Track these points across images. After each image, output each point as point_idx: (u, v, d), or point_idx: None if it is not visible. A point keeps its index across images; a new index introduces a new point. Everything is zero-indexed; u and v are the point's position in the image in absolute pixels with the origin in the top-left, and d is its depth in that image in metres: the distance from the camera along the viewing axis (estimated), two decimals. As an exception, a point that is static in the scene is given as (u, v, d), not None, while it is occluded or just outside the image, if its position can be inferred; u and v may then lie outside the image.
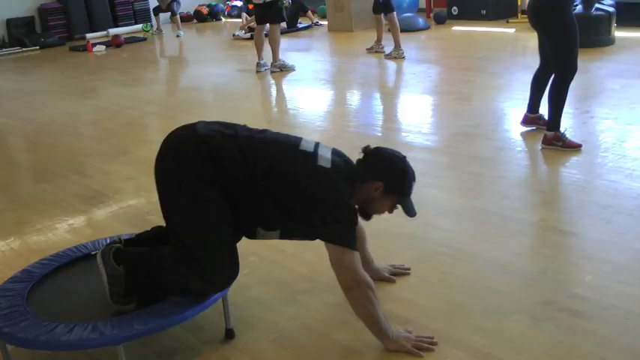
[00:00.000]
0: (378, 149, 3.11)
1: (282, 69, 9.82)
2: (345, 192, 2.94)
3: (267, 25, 9.67)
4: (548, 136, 5.29)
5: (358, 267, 2.92)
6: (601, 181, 4.68)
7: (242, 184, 2.91)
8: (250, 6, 16.70)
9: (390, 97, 8.30)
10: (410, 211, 3.09)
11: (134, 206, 4.97)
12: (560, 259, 3.65)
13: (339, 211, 2.91)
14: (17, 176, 6.37)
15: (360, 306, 2.95)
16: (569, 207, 4.33)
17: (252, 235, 3.10)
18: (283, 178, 2.93)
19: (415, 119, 6.86)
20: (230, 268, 3.00)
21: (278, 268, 3.80)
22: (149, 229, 3.34)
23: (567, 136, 5.28)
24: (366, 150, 3.10)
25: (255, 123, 6.17)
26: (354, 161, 3.12)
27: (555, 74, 5.26)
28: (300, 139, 3.10)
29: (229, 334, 3.19)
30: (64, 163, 6.27)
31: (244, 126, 3.12)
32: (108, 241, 3.56)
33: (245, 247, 3.87)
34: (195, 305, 2.93)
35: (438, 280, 3.54)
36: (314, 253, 3.86)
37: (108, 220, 4.80)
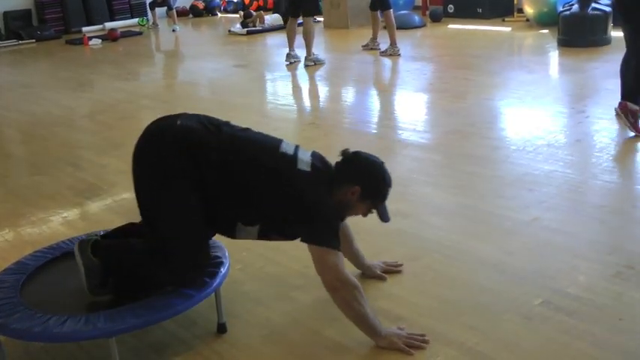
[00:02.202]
0: (356, 154, 3.11)
1: (315, 62, 9.74)
2: (323, 194, 2.95)
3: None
4: (630, 107, 5.43)
5: (342, 267, 2.93)
6: (595, 181, 4.68)
7: (220, 179, 2.92)
8: (247, 1, 16.76)
9: (385, 95, 8.30)
10: (384, 217, 3.11)
11: (128, 199, 4.95)
12: (553, 259, 3.66)
13: (319, 213, 2.92)
14: (12, 168, 6.35)
15: (346, 306, 2.96)
16: (563, 206, 4.33)
17: (231, 232, 3.10)
18: (261, 178, 2.94)
19: (410, 117, 6.86)
20: (197, 262, 3.01)
21: (271, 264, 3.80)
22: (125, 223, 3.35)
23: None
24: (345, 153, 3.10)
25: (249, 118, 6.18)
26: (334, 164, 3.12)
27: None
28: (281, 140, 3.10)
29: (221, 329, 3.19)
30: (59, 156, 6.26)
31: (227, 122, 3.12)
32: (103, 233, 3.57)
33: (239, 242, 3.87)
34: (187, 300, 2.93)
35: (430, 278, 3.55)
36: (306, 249, 3.86)
37: (102, 213, 4.80)
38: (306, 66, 9.70)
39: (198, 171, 2.90)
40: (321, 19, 14.16)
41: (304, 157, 3.02)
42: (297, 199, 2.91)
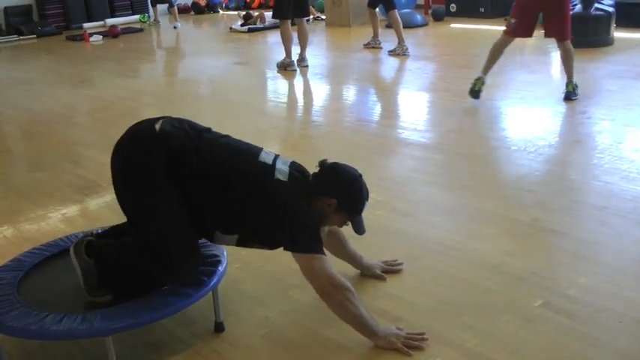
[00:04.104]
0: (334, 166, 3.09)
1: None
2: (300, 203, 2.94)
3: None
4: None
5: (331, 271, 2.91)
6: (596, 182, 4.67)
7: (198, 186, 2.92)
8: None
9: (386, 93, 8.29)
10: (359, 229, 3.09)
11: (127, 197, 4.95)
12: (553, 260, 3.65)
13: (298, 220, 2.90)
14: (12, 165, 6.34)
15: (341, 309, 2.95)
16: (564, 208, 4.32)
17: (210, 238, 3.10)
18: (238, 186, 2.93)
19: (411, 116, 6.85)
20: (188, 260, 3.00)
21: (270, 263, 3.78)
22: (122, 222, 3.33)
23: None
24: (323, 164, 3.09)
25: (249, 116, 6.18)
26: (311, 174, 3.10)
27: None
28: (260, 149, 3.09)
29: (219, 328, 3.18)
30: (58, 153, 6.25)
31: (209, 129, 3.11)
32: (99, 232, 3.56)
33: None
34: (184, 298, 2.92)
35: (429, 278, 3.53)
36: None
37: (101, 211, 4.79)
38: (301, 67, 9.62)
39: (177, 176, 2.89)
40: (324, 17, 14.16)
41: (282, 167, 3.01)
42: (275, 208, 2.90)
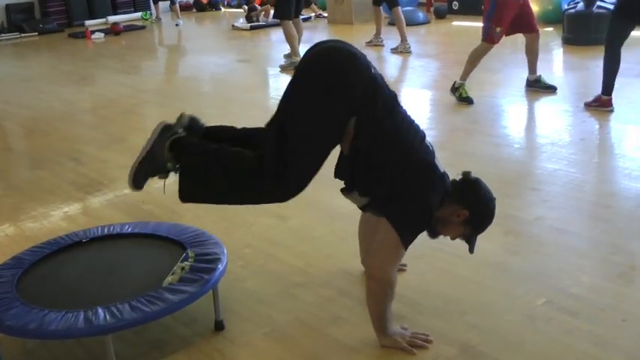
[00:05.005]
0: (477, 181, 3.07)
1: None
2: (437, 200, 2.91)
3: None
4: None
5: (394, 264, 2.92)
6: (599, 180, 4.66)
7: (369, 138, 2.84)
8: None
9: (388, 91, 8.25)
10: (472, 248, 3.10)
11: (129, 195, 4.94)
12: (557, 259, 3.64)
13: (419, 209, 2.88)
14: (13, 162, 6.34)
15: (374, 298, 2.95)
16: (567, 206, 4.31)
17: (349, 190, 3.03)
18: (403, 156, 2.88)
19: (413, 114, 6.75)
20: (301, 185, 2.89)
21: (273, 261, 3.78)
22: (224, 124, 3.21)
23: None
24: (467, 176, 3.06)
25: (251, 113, 6.16)
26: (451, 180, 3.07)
27: None
28: (424, 133, 3.06)
29: (219, 326, 3.18)
30: (60, 150, 6.24)
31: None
32: (99, 230, 3.55)
33: (240, 239, 3.87)
34: (184, 297, 2.91)
35: (433, 277, 3.53)
36: (310, 246, 3.86)
37: (103, 209, 4.78)
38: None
39: (362, 118, 2.81)
40: (326, 14, 14.16)
41: (439, 162, 3.00)
42: (417, 186, 2.87)
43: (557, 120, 6.17)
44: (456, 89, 6.90)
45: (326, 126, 2.81)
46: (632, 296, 3.23)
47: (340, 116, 2.79)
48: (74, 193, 5.13)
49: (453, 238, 3.12)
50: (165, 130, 2.95)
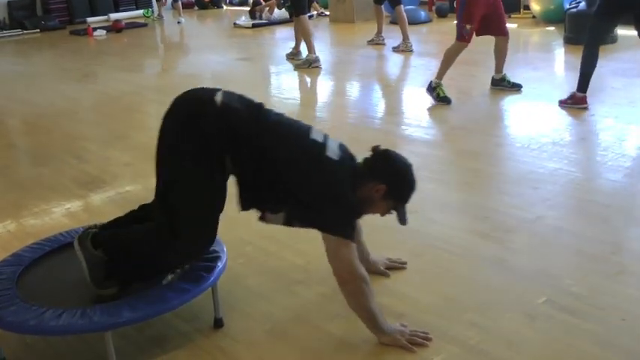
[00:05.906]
0: (387, 152, 3.07)
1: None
2: (347, 186, 2.91)
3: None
4: None
5: (354, 260, 2.90)
6: (600, 179, 4.67)
7: (253, 161, 2.87)
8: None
9: (389, 90, 8.28)
10: (403, 219, 3.06)
11: (131, 192, 4.95)
12: (557, 257, 3.64)
13: (338, 202, 2.88)
14: (15, 159, 6.35)
15: (354, 299, 2.94)
16: (568, 205, 4.32)
17: (262, 218, 3.06)
18: (291, 162, 2.89)
19: (415, 112, 6.84)
20: (205, 239, 3.02)
21: (274, 259, 3.79)
22: (122, 214, 3.32)
23: None
24: (376, 150, 3.06)
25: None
26: (359, 158, 3.08)
27: None
28: (310, 127, 3.06)
29: (218, 324, 3.18)
30: (62, 147, 6.25)
31: (262, 104, 3.05)
32: (102, 224, 3.56)
33: (241, 236, 3.87)
34: (184, 294, 2.92)
35: (434, 275, 3.53)
36: (310, 244, 3.85)
37: (105, 206, 4.79)
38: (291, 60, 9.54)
39: (233, 151, 2.85)
40: (328, 13, 14.16)
41: (333, 146, 2.99)
42: (320, 185, 2.87)
43: (557, 119, 6.17)
44: (433, 89, 6.93)
45: (204, 192, 2.91)
46: (632, 295, 3.23)
47: (213, 175, 2.90)
48: (76, 190, 5.13)
49: (382, 215, 3.10)
50: (81, 238, 3.06)
